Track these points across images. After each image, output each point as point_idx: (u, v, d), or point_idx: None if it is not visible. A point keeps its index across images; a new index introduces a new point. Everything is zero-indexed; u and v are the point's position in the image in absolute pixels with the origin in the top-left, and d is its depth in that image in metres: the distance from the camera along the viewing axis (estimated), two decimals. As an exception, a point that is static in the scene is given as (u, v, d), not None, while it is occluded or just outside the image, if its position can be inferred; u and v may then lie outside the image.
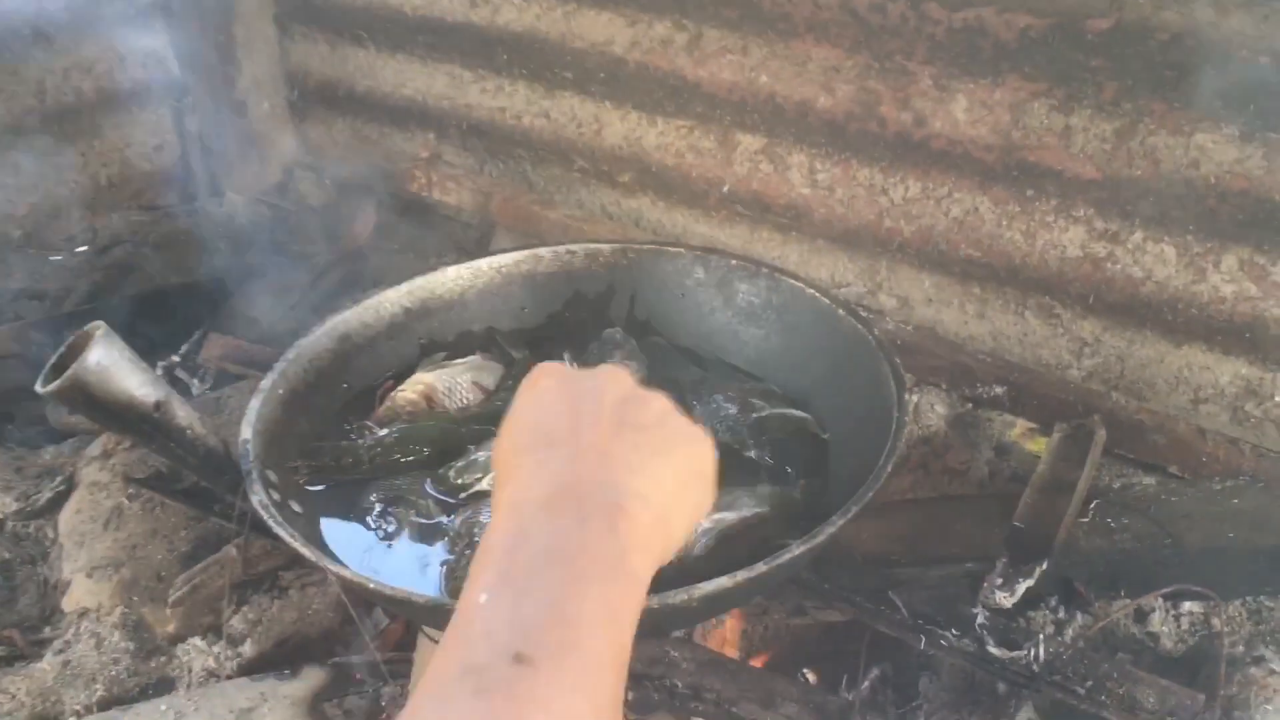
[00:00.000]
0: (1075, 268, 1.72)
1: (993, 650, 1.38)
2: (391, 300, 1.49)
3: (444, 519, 1.25)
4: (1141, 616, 1.47)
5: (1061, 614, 1.44)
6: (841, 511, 1.06)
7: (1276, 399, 1.62)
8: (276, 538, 1.08)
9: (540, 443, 0.71)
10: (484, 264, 1.55)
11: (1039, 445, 1.73)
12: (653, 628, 1.17)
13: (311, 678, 1.52)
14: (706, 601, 0.99)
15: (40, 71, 2.46)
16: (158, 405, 1.36)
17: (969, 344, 1.88)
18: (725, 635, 1.59)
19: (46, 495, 1.87)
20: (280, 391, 1.31)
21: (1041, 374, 1.80)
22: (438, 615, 1.06)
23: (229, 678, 1.56)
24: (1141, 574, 1.47)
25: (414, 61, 2.43)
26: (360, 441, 1.35)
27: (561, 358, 1.47)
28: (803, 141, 1.93)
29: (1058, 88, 1.64)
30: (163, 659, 1.60)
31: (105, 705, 1.53)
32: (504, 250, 1.58)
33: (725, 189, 2.07)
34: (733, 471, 1.29)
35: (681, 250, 1.55)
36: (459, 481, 1.27)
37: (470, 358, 1.50)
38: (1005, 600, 1.42)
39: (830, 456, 1.35)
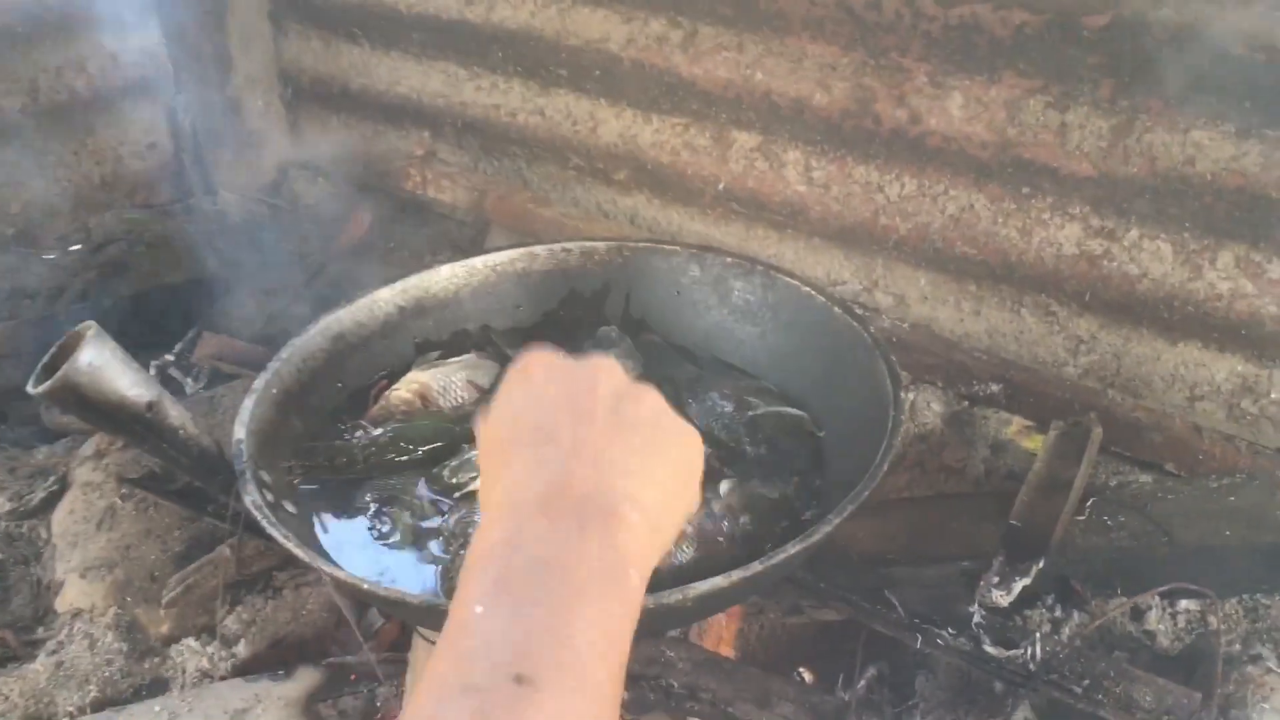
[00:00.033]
0: (1071, 265, 1.72)
1: (989, 649, 1.37)
2: (386, 299, 1.48)
3: (438, 519, 1.24)
4: (1138, 615, 1.47)
5: (1058, 612, 1.44)
6: (837, 510, 1.05)
7: (1272, 396, 1.62)
8: (270, 538, 1.07)
9: (533, 438, 0.69)
10: (478, 262, 1.54)
11: (1035, 443, 1.73)
12: (648, 628, 1.16)
13: (306, 678, 1.51)
14: (701, 601, 0.99)
15: (33, 69, 2.45)
16: (150, 405, 1.35)
17: (965, 341, 1.88)
18: (721, 634, 1.58)
19: (40, 495, 1.86)
20: (274, 391, 1.31)
21: (1038, 371, 1.80)
22: (432, 616, 1.05)
23: (223, 678, 1.55)
24: (1138, 572, 1.47)
25: (408, 59, 2.42)
26: (354, 441, 1.34)
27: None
28: (798, 139, 1.93)
29: (1054, 85, 1.63)
30: (156, 660, 1.59)
31: (98, 706, 1.53)
32: (499, 248, 1.57)
33: (721, 186, 2.06)
34: (728, 467, 1.29)
35: (677, 248, 1.55)
36: (453, 481, 1.27)
37: (465, 356, 1.49)
38: (1002, 599, 1.41)
39: (826, 454, 1.34)
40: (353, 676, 1.53)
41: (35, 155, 2.50)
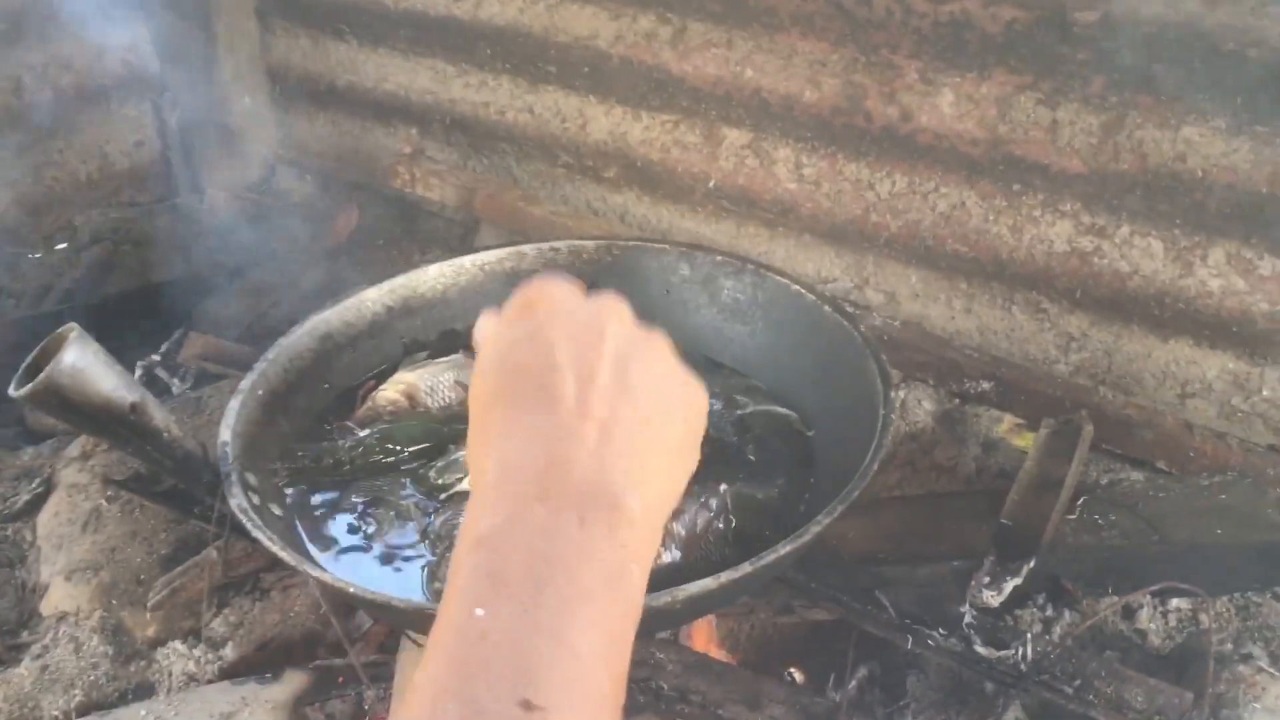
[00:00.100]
0: (1062, 262, 1.72)
1: (980, 649, 1.37)
2: (373, 299, 1.47)
3: (425, 520, 1.23)
4: (1129, 614, 1.47)
5: (1049, 612, 1.44)
6: (828, 510, 1.05)
7: (1264, 393, 1.61)
8: (256, 541, 1.06)
9: (532, 398, 0.64)
10: (467, 262, 1.53)
11: (1026, 441, 1.73)
12: (637, 630, 1.16)
13: (293, 681, 1.50)
14: (691, 603, 0.98)
15: (17, 67, 2.43)
16: (134, 407, 1.34)
17: (956, 339, 1.87)
18: (711, 635, 1.58)
19: (24, 497, 1.85)
20: (260, 392, 1.29)
21: (1029, 369, 1.80)
22: (419, 619, 1.04)
23: (209, 682, 1.54)
24: (1129, 571, 1.46)
25: (396, 56, 2.40)
26: (341, 442, 1.33)
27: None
28: (789, 136, 1.92)
29: (1044, 81, 1.63)
30: (142, 663, 1.58)
31: (84, 710, 1.51)
32: (487, 248, 1.56)
33: (711, 184, 2.05)
34: (716, 466, 1.28)
35: (666, 247, 1.54)
36: (440, 481, 1.26)
37: (453, 356, 1.48)
38: (993, 599, 1.41)
39: (816, 453, 1.33)
40: (340, 679, 1.52)
41: (20, 153, 2.49)
